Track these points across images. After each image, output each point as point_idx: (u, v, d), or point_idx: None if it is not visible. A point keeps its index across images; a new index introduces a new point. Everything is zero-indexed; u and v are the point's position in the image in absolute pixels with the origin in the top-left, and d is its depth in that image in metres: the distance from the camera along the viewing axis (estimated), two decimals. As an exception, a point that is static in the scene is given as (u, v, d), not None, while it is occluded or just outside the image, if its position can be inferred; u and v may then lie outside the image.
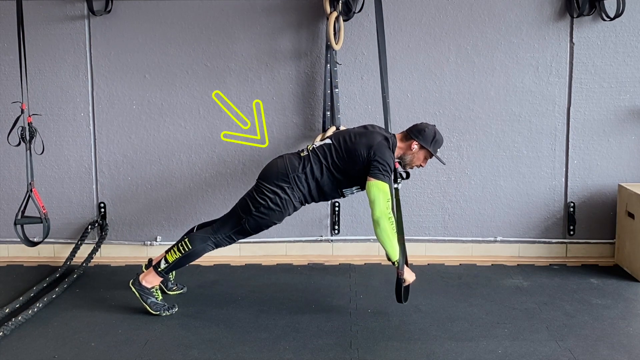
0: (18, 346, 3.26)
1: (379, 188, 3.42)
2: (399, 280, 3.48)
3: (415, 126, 3.65)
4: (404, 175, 3.70)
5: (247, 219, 3.57)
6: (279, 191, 3.54)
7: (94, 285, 4.08)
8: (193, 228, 3.82)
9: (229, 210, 3.73)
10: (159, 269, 3.63)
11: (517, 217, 4.52)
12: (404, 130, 3.67)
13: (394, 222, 3.45)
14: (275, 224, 3.65)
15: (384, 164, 3.46)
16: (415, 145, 3.59)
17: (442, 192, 4.51)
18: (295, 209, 3.64)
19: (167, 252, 3.67)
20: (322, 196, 3.66)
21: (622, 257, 4.34)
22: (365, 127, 3.70)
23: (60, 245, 4.58)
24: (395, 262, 3.46)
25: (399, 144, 3.61)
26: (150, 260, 3.90)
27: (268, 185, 3.56)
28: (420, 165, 3.68)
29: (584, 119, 4.41)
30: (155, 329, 3.45)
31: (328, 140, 3.65)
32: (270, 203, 3.54)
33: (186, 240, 3.61)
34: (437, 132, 3.63)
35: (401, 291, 3.51)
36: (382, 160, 3.46)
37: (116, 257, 4.57)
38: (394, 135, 3.63)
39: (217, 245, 3.64)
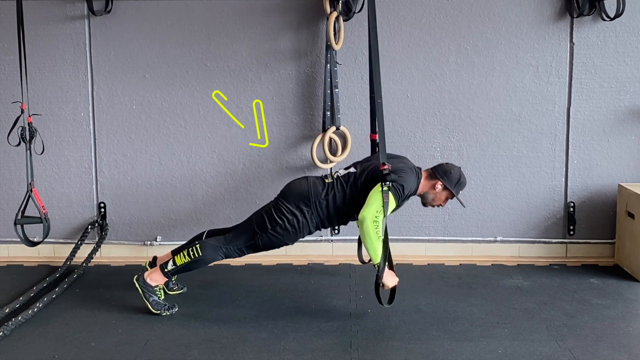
0: (18, 346, 3.26)
1: (380, 194, 3.38)
2: (377, 283, 3.45)
3: (440, 166, 3.64)
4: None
5: (261, 235, 3.57)
6: (297, 213, 3.54)
7: (94, 285, 4.08)
8: (203, 233, 3.82)
9: (243, 220, 3.73)
10: (166, 270, 3.62)
11: (517, 217, 4.52)
12: (429, 168, 3.66)
13: (379, 227, 3.38)
14: (287, 244, 3.66)
15: (401, 182, 3.44)
16: (439, 186, 3.58)
17: (442, 192, 4.51)
18: (310, 233, 3.64)
19: (175, 253, 3.67)
20: (338, 222, 3.67)
21: (622, 257, 4.33)
22: (395, 155, 3.70)
23: (60, 245, 4.58)
24: (375, 265, 3.42)
25: (423, 180, 3.60)
26: (155, 258, 3.91)
27: (288, 205, 3.56)
28: (440, 205, 3.67)
29: (584, 119, 4.41)
30: (155, 329, 3.45)
31: (352, 169, 3.66)
32: (287, 224, 3.54)
33: (197, 246, 3.60)
34: (462, 174, 3.63)
35: (379, 294, 3.47)
36: (401, 179, 3.44)
37: (116, 257, 4.57)
38: (420, 168, 3.63)
39: (227, 256, 3.63)
